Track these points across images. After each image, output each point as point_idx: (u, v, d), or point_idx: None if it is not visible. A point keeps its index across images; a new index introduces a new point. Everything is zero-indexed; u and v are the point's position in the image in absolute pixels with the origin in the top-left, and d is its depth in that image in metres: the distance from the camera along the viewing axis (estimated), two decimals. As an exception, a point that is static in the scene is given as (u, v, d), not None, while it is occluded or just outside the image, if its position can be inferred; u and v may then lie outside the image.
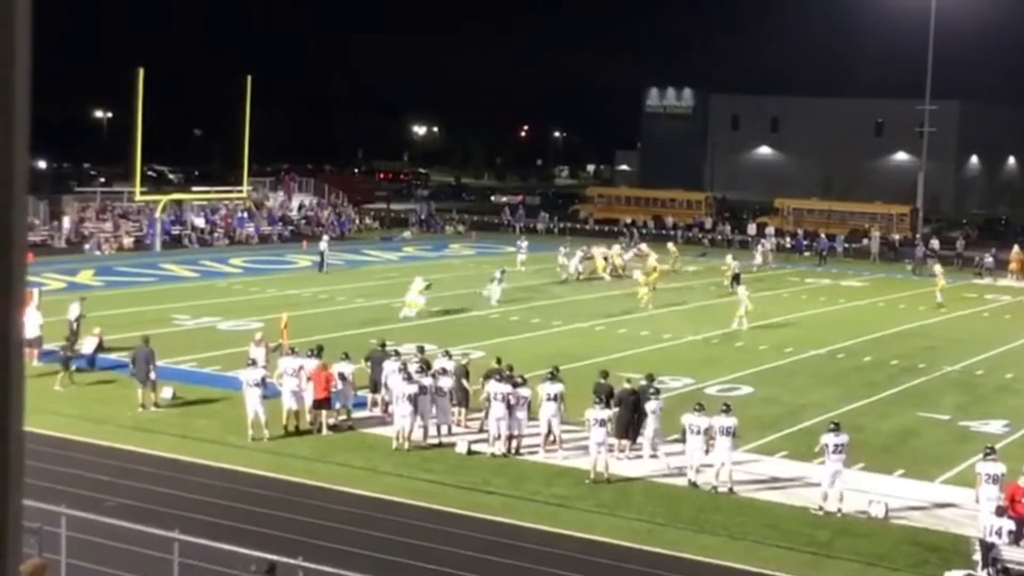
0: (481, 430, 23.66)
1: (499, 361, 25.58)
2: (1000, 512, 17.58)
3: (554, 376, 23.64)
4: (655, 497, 20.58)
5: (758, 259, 58.14)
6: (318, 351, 25.00)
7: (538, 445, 22.90)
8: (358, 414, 25.07)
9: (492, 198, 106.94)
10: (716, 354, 34.65)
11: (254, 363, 24.31)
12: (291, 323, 31.52)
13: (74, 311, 30.96)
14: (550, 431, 22.84)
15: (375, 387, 25.78)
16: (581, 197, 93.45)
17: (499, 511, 19.50)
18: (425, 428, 23.39)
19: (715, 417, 21.25)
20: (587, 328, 38.28)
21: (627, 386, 23.47)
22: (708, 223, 77.71)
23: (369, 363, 26.19)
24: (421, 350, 27.31)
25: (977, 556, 17.07)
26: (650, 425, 22.63)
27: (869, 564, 17.67)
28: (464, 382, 24.82)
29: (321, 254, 51.72)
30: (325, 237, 55.18)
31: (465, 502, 19.90)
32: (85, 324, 30.69)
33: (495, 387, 23.02)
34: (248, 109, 59.89)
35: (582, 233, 72.63)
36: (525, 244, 55.89)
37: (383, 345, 27.01)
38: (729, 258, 49.62)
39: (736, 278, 46.32)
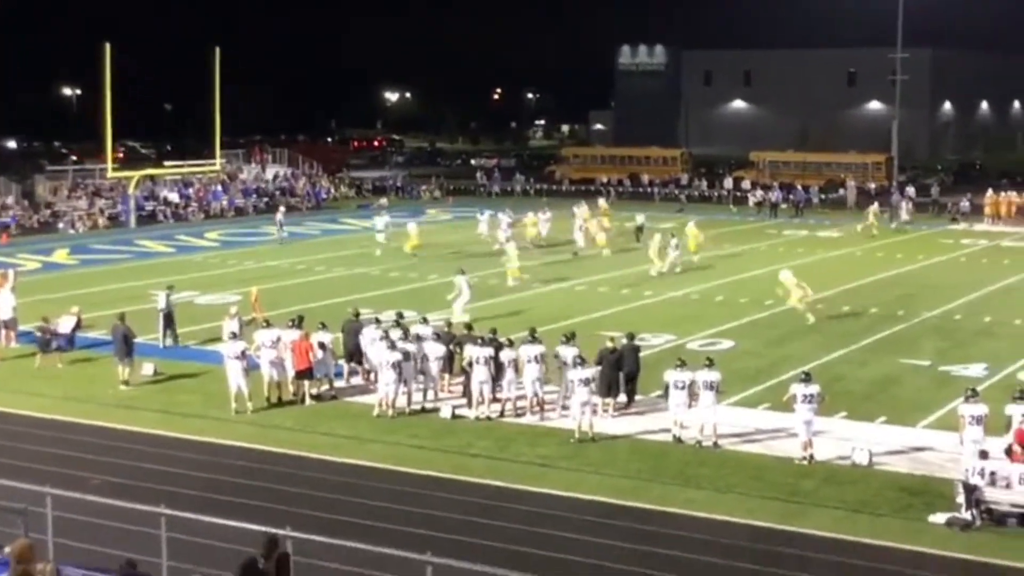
0: (464, 394, 23.66)
1: (470, 327, 25.56)
2: (983, 455, 17.72)
3: (535, 338, 23.64)
4: (640, 454, 20.67)
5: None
6: (298, 321, 24.93)
7: (523, 408, 22.95)
8: (339, 383, 25.05)
9: (473, 161, 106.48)
10: (696, 310, 34.73)
11: (235, 336, 24.21)
12: (268, 295, 31.40)
13: (161, 301, 29.79)
14: (536, 393, 22.89)
15: (350, 357, 25.72)
16: (556, 158, 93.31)
17: (485, 474, 19.55)
18: (409, 394, 23.38)
19: (698, 372, 21.30)
20: (567, 288, 38.28)
21: (609, 344, 23.49)
22: (684, 179, 77.79)
23: (344, 333, 26.09)
24: (400, 316, 27.25)
25: (961, 498, 17.23)
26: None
27: (854, 511, 17.80)
28: (451, 347, 24.77)
29: (279, 224, 51.53)
30: (281, 208, 55.72)
31: (451, 466, 19.94)
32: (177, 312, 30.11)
33: (476, 351, 23.01)
34: (217, 82, 59.40)
35: (558, 194, 72.55)
36: (385, 220, 48.17)
37: (357, 315, 26.94)
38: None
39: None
